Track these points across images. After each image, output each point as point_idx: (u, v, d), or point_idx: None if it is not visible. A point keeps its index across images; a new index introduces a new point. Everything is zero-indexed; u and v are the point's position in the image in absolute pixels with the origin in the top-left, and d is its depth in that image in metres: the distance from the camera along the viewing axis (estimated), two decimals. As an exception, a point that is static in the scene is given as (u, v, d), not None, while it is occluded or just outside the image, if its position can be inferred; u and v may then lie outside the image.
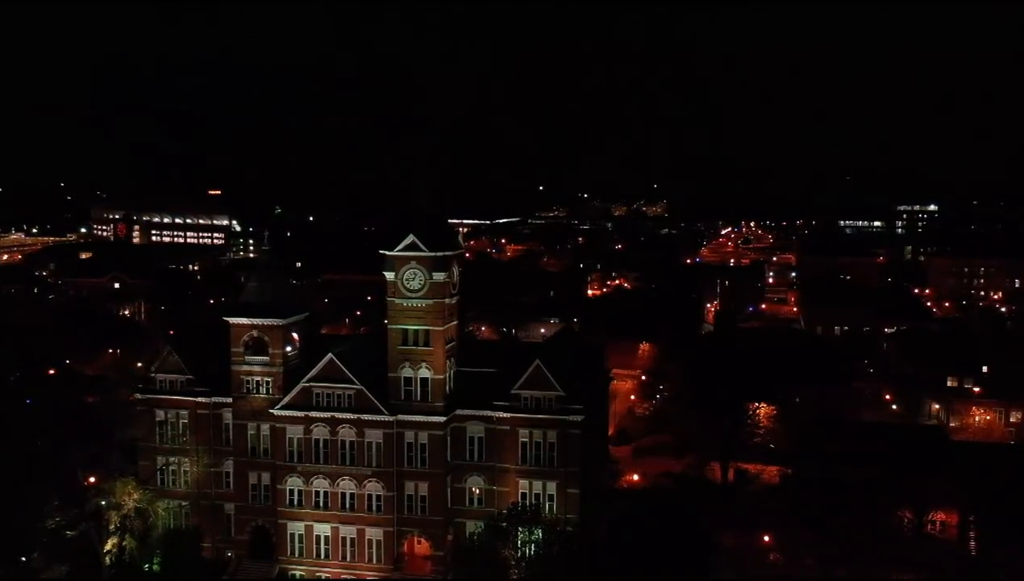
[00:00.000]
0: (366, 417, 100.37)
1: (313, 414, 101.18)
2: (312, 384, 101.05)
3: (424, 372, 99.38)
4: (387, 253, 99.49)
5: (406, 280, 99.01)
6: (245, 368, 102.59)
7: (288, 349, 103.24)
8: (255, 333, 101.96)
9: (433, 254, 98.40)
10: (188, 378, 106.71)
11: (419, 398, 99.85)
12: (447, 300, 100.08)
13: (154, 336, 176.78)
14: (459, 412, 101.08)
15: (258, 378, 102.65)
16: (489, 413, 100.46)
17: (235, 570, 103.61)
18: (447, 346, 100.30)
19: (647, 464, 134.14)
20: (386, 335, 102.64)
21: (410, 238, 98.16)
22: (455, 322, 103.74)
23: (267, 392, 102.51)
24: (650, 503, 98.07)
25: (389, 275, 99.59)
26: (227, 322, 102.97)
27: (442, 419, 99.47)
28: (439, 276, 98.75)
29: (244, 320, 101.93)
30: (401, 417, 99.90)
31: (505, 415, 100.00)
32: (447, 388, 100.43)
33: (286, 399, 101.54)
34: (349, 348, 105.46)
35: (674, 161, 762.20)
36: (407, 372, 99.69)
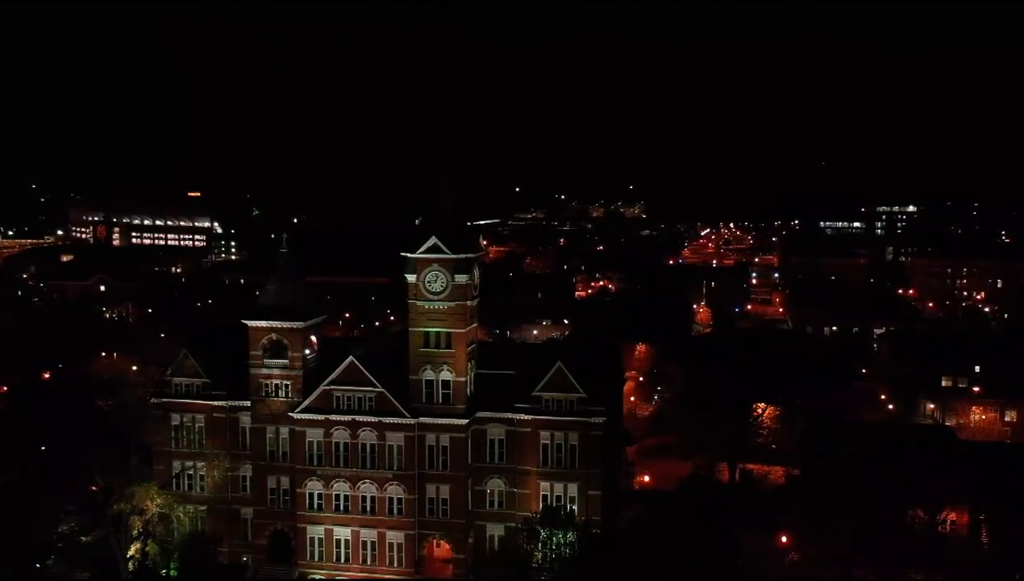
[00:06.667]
0: (387, 420, 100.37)
1: (333, 417, 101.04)
2: (332, 387, 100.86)
3: (446, 374, 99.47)
4: (408, 255, 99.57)
5: (428, 282, 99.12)
6: (264, 371, 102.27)
7: (307, 352, 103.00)
8: (274, 336, 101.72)
9: (455, 256, 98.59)
10: (204, 382, 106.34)
11: (440, 401, 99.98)
12: (468, 302, 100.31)
13: (149, 339, 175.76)
14: (480, 414, 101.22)
15: (277, 381, 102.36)
16: (510, 415, 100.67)
17: (254, 575, 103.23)
18: (468, 348, 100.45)
19: (654, 465, 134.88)
20: (403, 337, 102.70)
21: (432, 240, 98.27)
22: (475, 324, 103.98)
23: (286, 395, 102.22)
24: (675, 504, 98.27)
25: (410, 277, 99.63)
26: (245, 325, 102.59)
27: (464, 422, 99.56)
28: (461, 278, 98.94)
29: (263, 323, 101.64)
30: (422, 420, 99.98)
31: (526, 417, 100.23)
32: (468, 390, 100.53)
33: (306, 402, 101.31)
34: (368, 351, 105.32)
35: (650, 162, 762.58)
36: (428, 375, 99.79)
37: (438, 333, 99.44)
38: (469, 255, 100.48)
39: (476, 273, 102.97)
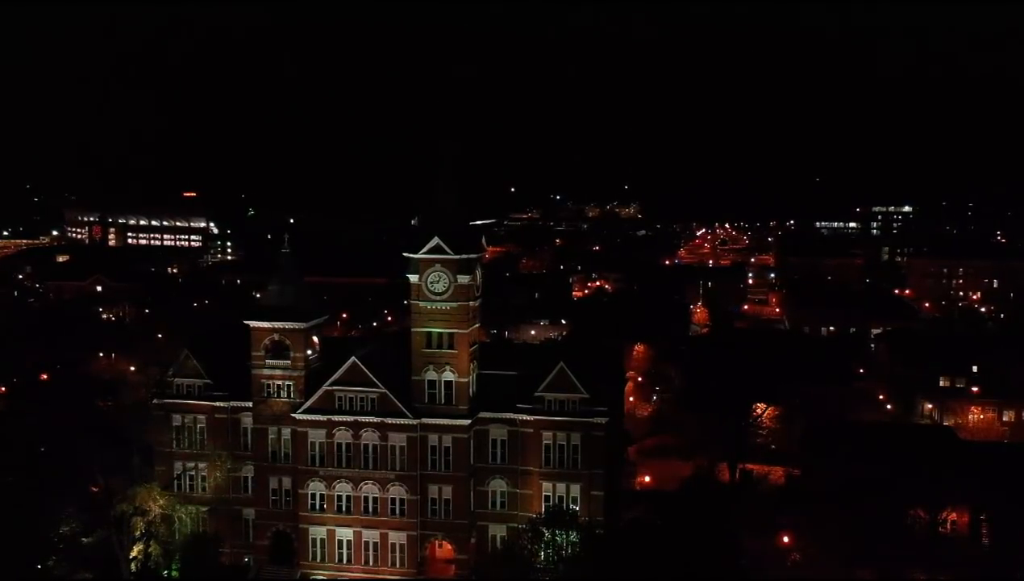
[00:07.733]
0: (390, 420, 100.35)
1: (336, 418, 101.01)
2: (335, 387, 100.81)
3: (448, 375, 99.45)
4: (411, 255, 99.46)
5: (430, 283, 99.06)
6: (266, 372, 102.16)
7: (309, 352, 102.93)
8: (276, 336, 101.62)
9: (458, 257, 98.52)
10: (206, 382, 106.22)
11: (443, 401, 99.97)
12: (471, 303, 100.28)
13: (146, 339, 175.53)
14: (482, 415, 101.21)
15: (279, 382, 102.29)
16: (513, 416, 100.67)
17: (256, 575, 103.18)
18: (470, 349, 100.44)
19: (654, 465, 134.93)
20: (406, 338, 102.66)
21: (435, 241, 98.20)
22: (478, 325, 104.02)
23: (288, 396, 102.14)
24: (677, 505, 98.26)
25: (413, 278, 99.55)
26: (246, 325, 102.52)
27: (466, 422, 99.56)
28: (464, 279, 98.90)
29: (265, 324, 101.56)
30: (425, 420, 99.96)
31: (529, 418, 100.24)
32: (470, 391, 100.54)
33: (308, 403, 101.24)
34: (370, 351, 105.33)
35: (644, 162, 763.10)
36: (431, 375, 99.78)
37: (440, 334, 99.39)
38: (472, 255, 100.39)
39: (479, 273, 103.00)
